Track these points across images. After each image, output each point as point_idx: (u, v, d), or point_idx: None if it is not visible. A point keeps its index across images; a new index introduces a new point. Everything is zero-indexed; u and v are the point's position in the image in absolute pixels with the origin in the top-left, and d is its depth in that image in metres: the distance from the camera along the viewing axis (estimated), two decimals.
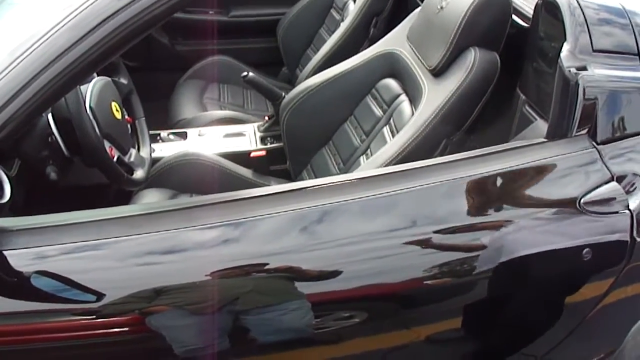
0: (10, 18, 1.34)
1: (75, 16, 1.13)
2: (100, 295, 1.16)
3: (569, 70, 1.40)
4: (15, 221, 1.20)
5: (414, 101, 1.88)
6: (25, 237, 1.16)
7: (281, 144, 2.39)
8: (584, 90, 1.39)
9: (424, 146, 1.67)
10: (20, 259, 1.14)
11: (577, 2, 1.48)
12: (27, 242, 1.15)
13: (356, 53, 2.21)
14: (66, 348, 1.19)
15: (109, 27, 1.13)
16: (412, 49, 1.97)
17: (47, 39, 1.12)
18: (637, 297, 1.52)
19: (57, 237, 1.16)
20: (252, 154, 2.48)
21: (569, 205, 1.36)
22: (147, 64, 3.21)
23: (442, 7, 1.80)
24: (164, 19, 1.20)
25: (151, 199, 2.08)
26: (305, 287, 1.26)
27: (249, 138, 2.57)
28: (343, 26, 2.78)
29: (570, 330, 1.51)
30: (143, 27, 1.17)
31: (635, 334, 1.11)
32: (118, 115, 1.84)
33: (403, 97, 1.94)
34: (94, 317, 1.17)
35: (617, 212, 1.38)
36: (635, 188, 1.40)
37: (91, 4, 1.14)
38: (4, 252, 1.13)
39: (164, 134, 2.54)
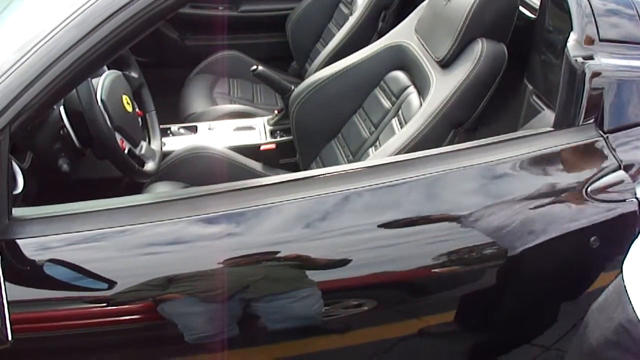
0: (21, 13, 1.36)
1: (83, 11, 1.15)
2: (112, 283, 1.18)
3: (576, 60, 1.41)
4: (29, 211, 1.22)
5: (422, 93, 1.88)
6: (39, 226, 1.18)
7: (291, 137, 2.40)
8: (590, 79, 1.39)
9: (432, 137, 1.68)
10: (33, 248, 1.16)
11: None
12: (40, 231, 1.17)
13: (365, 47, 2.21)
14: (79, 335, 1.21)
15: (117, 21, 1.15)
16: (420, 41, 1.98)
17: (57, 33, 1.14)
18: None
19: (70, 226, 1.18)
20: (262, 147, 2.50)
21: (577, 194, 1.37)
22: (157, 59, 3.22)
23: None
24: (171, 13, 1.22)
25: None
26: (314, 275, 1.27)
27: (258, 131, 2.58)
28: (352, 20, 2.78)
29: (578, 319, 1.51)
30: (150, 22, 1.19)
31: (594, 314, 1.12)
32: (129, 108, 1.86)
33: (411, 89, 1.95)
34: (106, 304, 1.19)
35: (624, 200, 1.39)
36: None
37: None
38: (18, 241, 1.15)
39: (174, 128, 2.56)
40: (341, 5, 3.16)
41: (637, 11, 1.51)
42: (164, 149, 2.18)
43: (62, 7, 1.17)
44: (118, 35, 1.16)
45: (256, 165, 2.36)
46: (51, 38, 1.14)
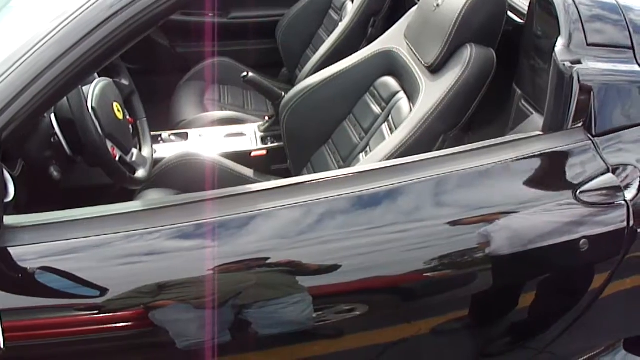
0: (9, 23, 1.37)
1: (71, 22, 1.16)
2: (104, 291, 1.18)
3: (564, 64, 1.42)
4: (20, 218, 1.22)
5: (411, 98, 1.89)
6: (30, 234, 1.17)
7: (282, 143, 2.40)
8: (578, 83, 1.40)
9: (422, 142, 1.69)
10: (24, 256, 1.16)
11: None
12: (31, 239, 1.17)
13: (354, 52, 2.22)
14: (70, 343, 1.21)
15: (105, 30, 1.16)
16: (409, 46, 1.99)
17: (45, 43, 1.15)
18: (635, 290, 1.54)
19: (61, 234, 1.18)
20: (253, 154, 2.50)
21: (566, 197, 1.38)
22: (148, 66, 3.21)
23: (438, 5, 1.82)
24: (159, 22, 1.23)
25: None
26: (306, 281, 1.27)
27: (249, 138, 2.58)
28: (341, 26, 2.79)
29: (570, 322, 1.52)
30: (138, 31, 1.20)
31: None
32: (120, 116, 1.86)
33: (401, 94, 1.96)
34: (97, 312, 1.18)
35: (613, 203, 1.40)
36: (631, 179, 1.42)
37: (84, 11, 1.17)
38: (9, 249, 1.15)
39: (165, 135, 2.56)
40: (331, 12, 3.18)
41: (624, 16, 1.53)
42: (155, 156, 2.18)
43: (50, 18, 1.18)
44: (107, 44, 1.17)
45: (247, 172, 2.36)
46: (40, 48, 1.15)
